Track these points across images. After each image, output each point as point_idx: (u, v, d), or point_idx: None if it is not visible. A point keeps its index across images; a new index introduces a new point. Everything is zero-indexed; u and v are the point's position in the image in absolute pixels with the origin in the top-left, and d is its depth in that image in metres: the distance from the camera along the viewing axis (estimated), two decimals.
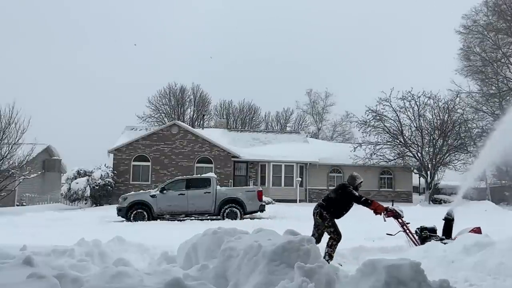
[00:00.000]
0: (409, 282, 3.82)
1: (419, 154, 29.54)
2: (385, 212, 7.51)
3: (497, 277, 5.56)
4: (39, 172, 30.04)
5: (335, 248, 7.42)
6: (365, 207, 7.54)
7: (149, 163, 29.23)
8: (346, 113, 42.06)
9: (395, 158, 29.79)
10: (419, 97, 29.71)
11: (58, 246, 6.91)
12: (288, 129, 54.04)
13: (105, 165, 28.52)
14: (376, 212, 7.50)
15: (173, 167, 29.03)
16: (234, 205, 17.76)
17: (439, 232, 7.97)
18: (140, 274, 4.70)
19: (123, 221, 17.11)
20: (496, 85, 32.16)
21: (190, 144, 29.63)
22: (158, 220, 17.22)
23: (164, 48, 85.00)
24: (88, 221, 17.14)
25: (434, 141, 29.43)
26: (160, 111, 49.99)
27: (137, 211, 17.34)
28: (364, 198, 7.45)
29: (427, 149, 29.85)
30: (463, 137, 29.65)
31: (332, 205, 7.60)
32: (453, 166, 31.07)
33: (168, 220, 17.32)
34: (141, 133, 30.89)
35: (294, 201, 27.17)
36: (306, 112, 56.75)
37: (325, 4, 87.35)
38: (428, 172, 29.58)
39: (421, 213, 18.41)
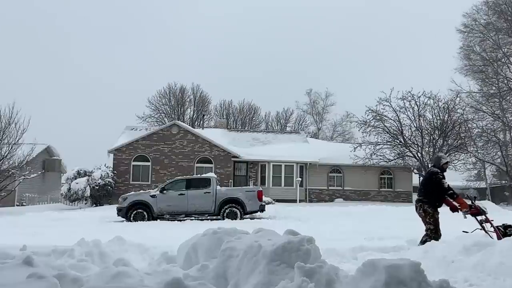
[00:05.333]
0: (409, 282, 3.82)
1: (419, 154, 29.53)
2: (469, 209, 7.38)
3: (497, 277, 5.56)
4: (39, 172, 30.06)
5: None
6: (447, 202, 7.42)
7: (149, 163, 29.23)
8: (346, 113, 42.15)
9: (395, 158, 29.79)
10: (419, 97, 29.73)
11: (58, 246, 6.91)
12: (288, 129, 54.07)
13: (105, 165, 28.54)
14: (455, 209, 7.34)
15: (173, 167, 29.04)
16: (234, 205, 17.75)
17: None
18: (140, 274, 4.70)
19: (123, 221, 17.10)
20: (497, 85, 32.17)
21: (190, 144, 29.64)
22: (158, 220, 17.20)
23: (164, 48, 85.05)
24: (88, 221, 17.13)
25: (434, 141, 29.42)
26: (160, 111, 50.02)
27: (137, 211, 17.32)
28: (451, 191, 7.34)
29: (427, 149, 29.84)
30: (463, 137, 29.63)
31: (428, 196, 7.47)
32: (453, 166, 31.04)
33: (168, 220, 17.31)
34: (141, 133, 30.89)
35: (294, 201, 27.17)
36: (306, 112, 56.83)
37: (325, 4, 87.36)
38: None
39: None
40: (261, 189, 18.83)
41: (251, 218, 17.89)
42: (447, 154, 29.75)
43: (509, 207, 26.42)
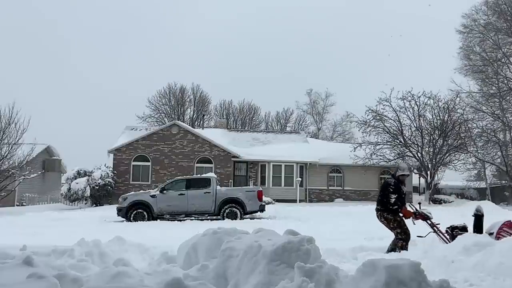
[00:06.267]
0: (409, 282, 3.82)
1: (419, 154, 29.53)
2: (414, 216, 7.72)
3: (497, 277, 5.56)
4: (39, 172, 30.07)
5: (406, 248, 7.59)
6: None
7: (149, 163, 29.23)
8: (346, 113, 42.13)
9: (395, 158, 29.77)
10: (419, 97, 29.71)
11: (58, 246, 6.91)
12: (288, 129, 54.06)
13: (105, 165, 28.54)
14: (405, 217, 7.69)
15: (173, 167, 29.04)
16: (234, 205, 17.75)
17: (470, 230, 7.92)
18: (140, 274, 4.70)
19: (123, 221, 17.10)
20: (496, 85, 32.15)
21: (190, 144, 29.64)
22: (158, 220, 17.21)
23: (164, 48, 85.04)
24: (88, 221, 17.14)
25: (434, 141, 29.41)
26: (160, 111, 50.02)
27: (137, 211, 17.33)
28: (396, 207, 7.62)
29: (427, 149, 29.84)
30: (463, 137, 29.62)
31: (385, 206, 7.78)
32: (453, 166, 31.07)
33: (168, 220, 17.32)
34: (141, 133, 30.89)
35: (294, 201, 27.17)
36: (306, 112, 56.79)
37: (325, 4, 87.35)
38: (428, 172, 29.57)
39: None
40: (261, 189, 18.84)
41: (251, 218, 17.89)
42: (447, 154, 29.80)
43: (509, 207, 26.42)
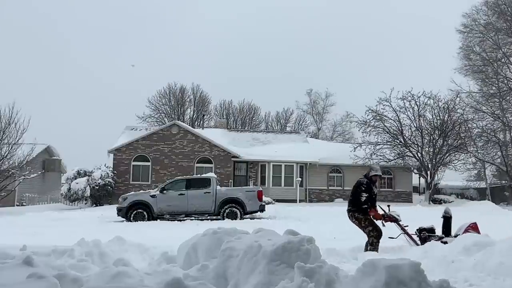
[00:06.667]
0: (409, 282, 3.82)
1: (419, 154, 29.54)
2: (383, 218, 7.84)
3: (497, 277, 5.56)
4: (39, 172, 30.07)
5: (377, 246, 7.70)
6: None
7: (149, 163, 29.24)
8: (346, 113, 42.10)
9: (395, 158, 29.79)
10: (419, 97, 29.73)
11: (58, 246, 6.91)
12: (288, 129, 54.06)
13: (105, 165, 28.54)
14: (375, 219, 7.84)
15: (173, 167, 29.04)
16: (234, 205, 17.75)
17: (439, 231, 8.11)
18: (140, 274, 4.70)
19: (123, 221, 17.10)
20: (496, 85, 32.15)
21: (190, 144, 29.64)
22: (158, 220, 17.21)
23: (164, 48, 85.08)
24: (88, 221, 17.13)
25: (434, 141, 29.42)
26: (160, 111, 50.01)
27: (137, 211, 17.33)
28: (365, 206, 7.73)
29: (427, 149, 29.85)
30: (463, 137, 29.63)
31: (356, 206, 7.91)
32: (453, 166, 31.07)
33: (168, 220, 17.32)
34: (141, 133, 30.90)
35: (294, 201, 27.18)
36: (306, 112, 56.78)
37: (325, 4, 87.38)
38: (428, 172, 29.58)
39: (421, 213, 18.42)
40: (261, 189, 18.84)
41: (251, 218, 17.89)
42: (447, 154, 29.80)
43: (509, 207, 26.42)
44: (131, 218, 17.15)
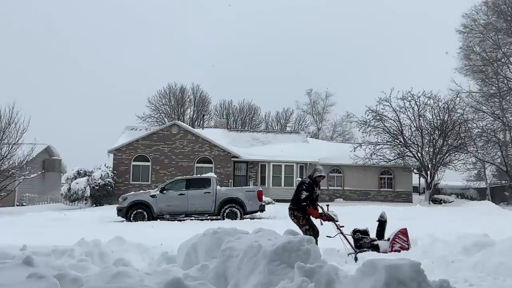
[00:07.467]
0: (409, 282, 3.82)
1: (419, 154, 29.53)
2: (320, 217, 7.97)
3: (497, 277, 5.56)
4: (39, 172, 30.07)
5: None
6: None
7: (149, 163, 29.23)
8: (346, 113, 42.02)
9: (395, 158, 29.79)
10: (419, 97, 29.72)
11: (58, 246, 6.91)
12: (288, 129, 54.03)
13: (105, 165, 28.54)
14: (313, 217, 7.94)
15: (173, 167, 29.04)
16: (234, 205, 17.74)
17: (373, 234, 8.32)
18: (140, 274, 4.70)
19: (123, 221, 17.10)
20: (496, 85, 32.14)
21: (190, 144, 29.64)
22: (158, 220, 17.21)
23: (164, 48, 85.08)
24: (88, 221, 17.13)
25: (434, 141, 29.41)
26: (160, 111, 50.00)
27: (137, 211, 17.32)
28: (304, 203, 7.84)
29: (427, 149, 29.84)
30: (463, 137, 29.62)
31: (297, 204, 7.98)
32: (453, 166, 31.06)
33: (168, 220, 17.31)
34: (141, 133, 30.89)
35: None
36: (306, 112, 56.76)
37: (325, 4, 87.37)
38: (428, 172, 29.58)
39: (421, 213, 18.42)
40: (261, 189, 18.83)
41: (251, 218, 17.89)
42: (447, 154, 29.80)
43: (509, 207, 26.42)
44: (131, 218, 17.15)
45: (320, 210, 8.14)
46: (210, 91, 59.50)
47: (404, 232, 8.03)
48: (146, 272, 5.07)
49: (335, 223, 8.02)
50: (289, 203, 8.24)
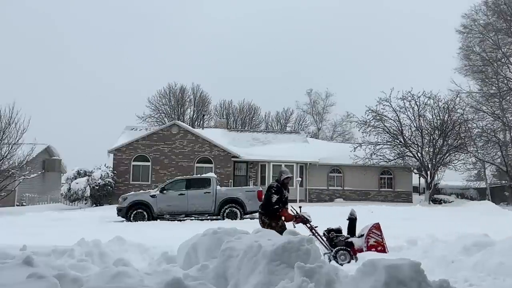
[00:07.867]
0: (409, 282, 3.82)
1: (419, 154, 29.52)
2: (294, 219, 7.92)
3: (497, 277, 5.56)
4: (39, 172, 30.07)
5: None
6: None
7: (149, 163, 29.23)
8: (346, 113, 42.01)
9: (395, 158, 29.77)
10: (419, 97, 29.70)
11: (58, 246, 6.91)
12: (288, 129, 54.02)
13: (105, 165, 28.54)
14: (286, 220, 7.86)
15: (173, 167, 29.03)
16: (234, 205, 17.75)
17: (345, 232, 8.37)
18: (140, 274, 4.70)
19: (123, 221, 17.11)
20: (496, 85, 32.14)
21: (190, 144, 29.64)
22: (158, 220, 17.22)
23: (164, 48, 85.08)
24: (88, 221, 17.13)
25: (434, 141, 29.41)
26: (160, 111, 49.98)
27: (137, 211, 17.34)
28: (277, 206, 7.75)
29: (427, 149, 29.83)
30: (463, 137, 29.61)
31: (266, 209, 7.92)
32: (453, 166, 31.05)
33: (168, 220, 17.32)
34: (141, 133, 30.88)
35: (294, 201, 27.10)
36: (306, 112, 56.72)
37: (325, 4, 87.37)
38: (428, 172, 29.57)
39: (421, 213, 18.42)
40: (261, 189, 18.82)
41: (251, 218, 17.88)
42: (447, 154, 29.80)
43: (509, 207, 26.42)
44: (131, 218, 17.16)
45: (292, 212, 8.12)
46: (210, 91, 59.53)
47: (377, 227, 8.11)
48: (146, 272, 5.07)
49: (309, 225, 8.05)
50: (259, 208, 8.24)
